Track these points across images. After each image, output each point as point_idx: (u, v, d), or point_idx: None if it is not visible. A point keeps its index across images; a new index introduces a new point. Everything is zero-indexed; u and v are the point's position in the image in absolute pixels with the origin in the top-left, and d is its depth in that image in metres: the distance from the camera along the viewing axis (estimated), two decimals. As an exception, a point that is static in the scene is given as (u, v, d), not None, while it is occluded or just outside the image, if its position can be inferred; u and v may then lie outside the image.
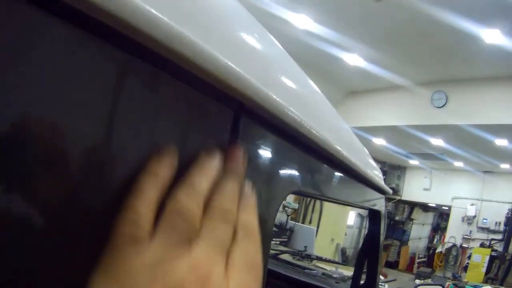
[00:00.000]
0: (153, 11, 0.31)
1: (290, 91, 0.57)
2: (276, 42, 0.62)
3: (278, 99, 0.48)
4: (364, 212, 10.62)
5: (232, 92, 0.42)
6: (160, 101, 0.38)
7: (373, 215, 1.57)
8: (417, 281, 8.96)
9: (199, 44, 0.35)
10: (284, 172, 0.61)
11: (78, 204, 0.31)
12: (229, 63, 0.40)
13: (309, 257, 3.54)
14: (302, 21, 5.11)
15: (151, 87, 0.37)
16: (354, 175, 1.04)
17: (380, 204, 1.53)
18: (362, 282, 1.77)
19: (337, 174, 0.94)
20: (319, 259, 3.61)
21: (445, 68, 6.00)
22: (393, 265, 13.43)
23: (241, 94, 0.43)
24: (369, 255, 1.67)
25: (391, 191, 1.68)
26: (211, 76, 0.38)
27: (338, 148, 0.73)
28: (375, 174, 1.37)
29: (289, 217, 8.03)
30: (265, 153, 0.55)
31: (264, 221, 0.53)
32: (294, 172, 0.66)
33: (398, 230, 14.46)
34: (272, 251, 3.03)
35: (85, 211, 0.31)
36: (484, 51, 5.09)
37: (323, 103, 0.78)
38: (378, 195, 1.48)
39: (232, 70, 0.41)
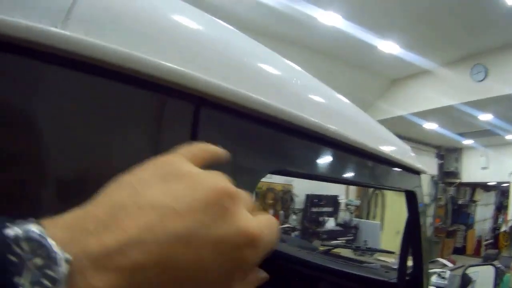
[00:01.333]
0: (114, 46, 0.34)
1: (264, 77, 0.59)
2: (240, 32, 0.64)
3: (248, 92, 0.51)
4: (427, 200, 10.34)
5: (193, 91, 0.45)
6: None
7: (409, 197, 1.50)
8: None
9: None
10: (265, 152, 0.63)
11: None
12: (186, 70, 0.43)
13: (359, 249, 3.50)
14: (331, 18, 5.15)
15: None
16: (371, 157, 1.02)
17: (414, 184, 1.48)
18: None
19: (351, 156, 0.93)
20: (369, 249, 3.56)
21: (476, 40, 5.73)
22: (460, 250, 12.84)
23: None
24: (411, 239, 1.61)
25: (426, 170, 1.61)
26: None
27: (337, 129, 0.74)
28: (402, 153, 1.33)
29: (353, 214, 7.93)
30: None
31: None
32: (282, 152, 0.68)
33: (462, 214, 13.83)
34: (324, 247, 3.01)
35: None
36: (507, 14, 4.82)
37: (316, 87, 0.79)
38: (410, 175, 1.43)
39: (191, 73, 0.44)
